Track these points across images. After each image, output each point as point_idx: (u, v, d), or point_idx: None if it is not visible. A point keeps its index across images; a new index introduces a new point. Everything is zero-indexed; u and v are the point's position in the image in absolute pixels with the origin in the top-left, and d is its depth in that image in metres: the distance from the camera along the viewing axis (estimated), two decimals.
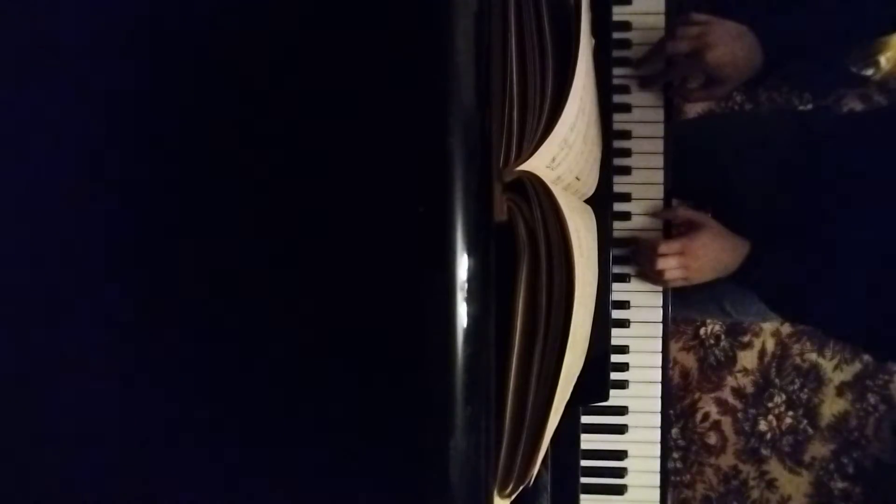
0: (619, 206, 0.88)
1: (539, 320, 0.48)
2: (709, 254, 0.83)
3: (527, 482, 0.49)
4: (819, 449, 1.82)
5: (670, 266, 0.83)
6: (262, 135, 0.44)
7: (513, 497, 0.50)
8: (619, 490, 0.89)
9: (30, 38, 0.45)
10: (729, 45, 0.79)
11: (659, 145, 0.88)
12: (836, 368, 1.82)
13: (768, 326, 1.81)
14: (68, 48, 0.45)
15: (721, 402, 1.83)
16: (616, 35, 0.87)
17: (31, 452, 0.46)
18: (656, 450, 0.89)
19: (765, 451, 1.82)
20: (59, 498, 0.46)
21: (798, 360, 1.82)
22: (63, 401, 0.45)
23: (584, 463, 0.82)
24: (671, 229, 0.89)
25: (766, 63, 0.81)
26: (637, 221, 0.89)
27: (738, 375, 1.82)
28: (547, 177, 0.50)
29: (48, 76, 0.45)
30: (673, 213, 0.88)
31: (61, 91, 0.45)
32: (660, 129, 0.88)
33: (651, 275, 0.86)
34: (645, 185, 0.88)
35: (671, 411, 1.79)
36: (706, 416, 1.83)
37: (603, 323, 0.67)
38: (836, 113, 1.62)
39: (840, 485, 1.82)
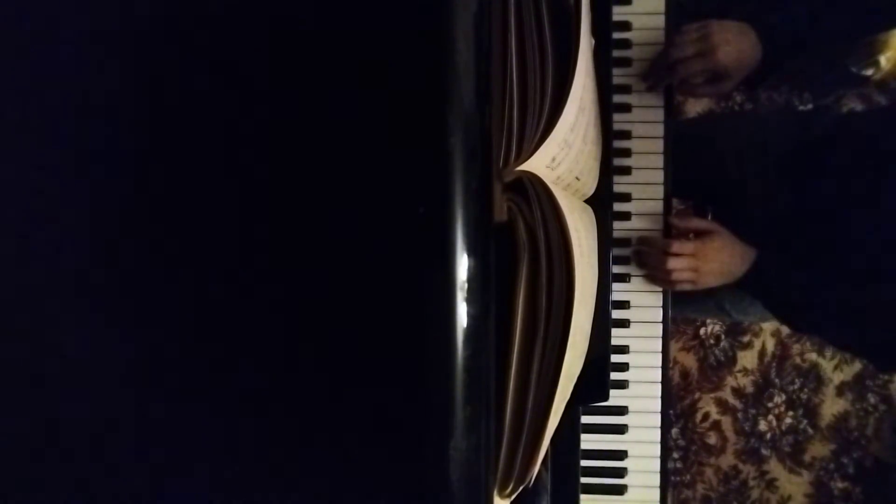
0: (619, 206, 0.88)
1: (539, 320, 0.48)
2: (719, 259, 0.83)
3: (527, 482, 0.49)
4: (819, 449, 1.82)
5: (681, 266, 0.82)
6: (262, 135, 0.44)
7: (513, 497, 0.50)
8: (619, 490, 0.89)
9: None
10: (733, 42, 0.80)
11: (659, 145, 0.88)
12: (836, 368, 1.82)
13: (768, 326, 1.81)
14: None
15: (721, 402, 1.83)
16: (616, 35, 0.87)
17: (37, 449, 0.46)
18: (656, 450, 0.89)
19: (765, 451, 1.82)
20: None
21: (798, 360, 1.82)
22: (68, 399, 0.45)
23: (584, 463, 0.82)
24: (671, 231, 0.88)
25: (765, 59, 0.81)
26: (637, 221, 0.89)
27: (738, 375, 1.82)
28: (547, 177, 0.50)
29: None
30: (684, 222, 0.87)
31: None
32: (660, 129, 0.88)
33: (659, 275, 0.85)
34: (645, 185, 0.88)
35: (671, 411, 1.79)
36: (706, 416, 1.83)
37: (603, 323, 0.67)
38: (836, 113, 1.62)
39: (840, 485, 1.82)
